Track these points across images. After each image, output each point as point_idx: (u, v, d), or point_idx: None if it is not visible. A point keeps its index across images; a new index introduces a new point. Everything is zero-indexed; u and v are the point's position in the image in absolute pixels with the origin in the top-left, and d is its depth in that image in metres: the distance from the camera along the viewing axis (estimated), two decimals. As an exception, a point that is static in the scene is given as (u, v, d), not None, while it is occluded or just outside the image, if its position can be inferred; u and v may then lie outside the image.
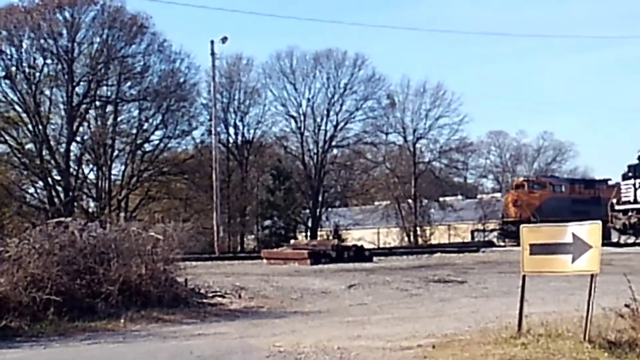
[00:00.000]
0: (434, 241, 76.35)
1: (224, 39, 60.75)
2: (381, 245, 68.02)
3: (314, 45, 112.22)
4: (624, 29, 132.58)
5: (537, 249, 15.22)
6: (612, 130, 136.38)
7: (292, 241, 55.13)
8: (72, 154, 66.13)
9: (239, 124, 76.21)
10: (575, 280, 16.44)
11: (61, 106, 65.90)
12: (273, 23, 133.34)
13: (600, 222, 16.24)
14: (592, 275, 14.51)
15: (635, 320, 15.29)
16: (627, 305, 15.55)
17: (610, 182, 71.99)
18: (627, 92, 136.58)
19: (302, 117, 78.46)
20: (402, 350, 14.31)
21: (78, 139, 66.75)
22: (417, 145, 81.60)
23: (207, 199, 63.18)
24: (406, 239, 76.40)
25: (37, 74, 65.15)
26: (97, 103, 67.78)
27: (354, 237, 67.57)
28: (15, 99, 64.62)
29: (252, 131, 77.15)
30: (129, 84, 68.43)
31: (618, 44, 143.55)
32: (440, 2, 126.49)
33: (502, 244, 59.92)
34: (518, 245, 43.51)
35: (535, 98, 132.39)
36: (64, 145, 65.39)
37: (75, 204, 62.91)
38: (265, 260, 38.84)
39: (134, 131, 68.68)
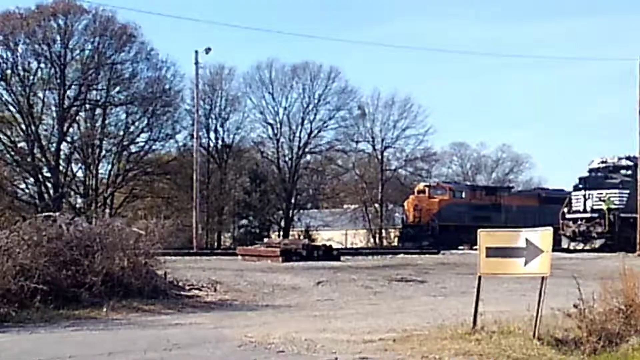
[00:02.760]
0: (397, 243, 76.51)
1: (208, 50, 60.69)
2: (349, 246, 67.98)
3: (292, 57, 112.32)
4: (581, 49, 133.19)
5: (493, 252, 15.32)
6: (567, 144, 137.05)
7: (265, 240, 55.10)
8: (62, 153, 65.98)
9: (220, 129, 76.39)
10: (526, 282, 16.54)
11: (53, 108, 65.80)
12: (254, 35, 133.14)
13: (550, 229, 16.39)
14: (542, 278, 14.63)
15: (581, 320, 15.39)
16: (575, 306, 15.67)
17: (512, 190, 73.06)
18: (582, 109, 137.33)
19: (278, 125, 78.71)
20: (365, 343, 14.34)
21: (68, 139, 66.60)
22: (385, 154, 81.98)
23: (187, 199, 63.04)
24: (372, 240, 76.52)
25: (31, 77, 65.01)
26: (87, 106, 67.68)
27: (323, 237, 67.57)
28: (10, 100, 64.48)
29: (231, 136, 77.35)
30: (117, 88, 68.36)
31: (575, 64, 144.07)
32: (411, 20, 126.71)
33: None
34: (418, 248, 42.95)
35: (496, 112, 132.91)
36: (54, 144, 65.23)
37: (64, 200, 62.64)
38: (240, 257, 38.84)
39: (121, 133, 68.65)
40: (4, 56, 64.05)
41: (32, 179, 65.68)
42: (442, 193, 64.12)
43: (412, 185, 75.78)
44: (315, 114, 78.86)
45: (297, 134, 78.69)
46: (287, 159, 78.93)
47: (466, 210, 61.08)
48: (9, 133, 64.71)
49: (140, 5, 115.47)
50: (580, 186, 55.15)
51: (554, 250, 15.66)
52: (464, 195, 65.07)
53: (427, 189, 65.46)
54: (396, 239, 72.06)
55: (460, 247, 49.77)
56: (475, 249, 18.22)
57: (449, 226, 58.64)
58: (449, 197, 63.66)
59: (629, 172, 53.03)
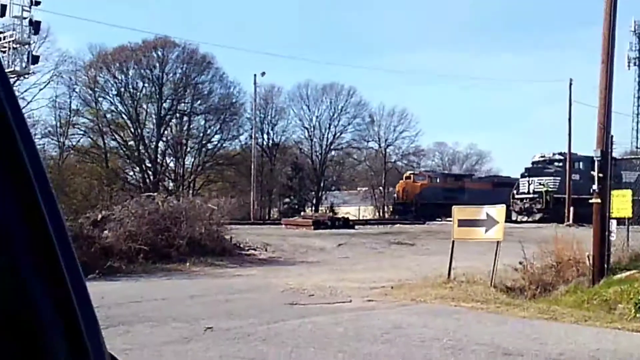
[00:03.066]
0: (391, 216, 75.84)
1: (263, 73, 60.84)
2: (360, 218, 67.47)
3: (322, 79, 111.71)
4: (527, 73, 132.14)
5: (463, 223, 15.35)
6: (517, 143, 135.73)
7: (302, 213, 54.98)
8: (159, 149, 65.97)
9: (271, 132, 75.97)
10: (486, 245, 16.48)
11: (153, 116, 65.60)
12: (296, 63, 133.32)
13: (504, 205, 16.36)
14: (497, 242, 14.60)
15: (525, 273, 15.39)
16: (520, 263, 15.66)
17: (474, 177, 70.24)
18: (527, 117, 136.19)
19: (312, 129, 78.33)
20: (371, 289, 14.36)
21: (163, 139, 66.48)
22: (387, 150, 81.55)
23: (247, 183, 62.94)
24: (377, 214, 76.05)
25: (138, 93, 64.95)
26: (177, 115, 67.48)
27: (343, 211, 66.47)
28: (123, 110, 64.35)
29: (279, 137, 76.98)
30: (199, 102, 68.04)
31: (522, 84, 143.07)
32: (407, 51, 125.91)
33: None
34: (405, 219, 41.72)
35: (467, 119, 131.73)
36: (154, 143, 65.15)
37: (160, 183, 62.54)
38: (283, 226, 38.75)
39: (201, 135, 68.52)
40: (119, 78, 64.14)
41: (137, 168, 65.70)
42: (423, 179, 62.29)
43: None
44: (338, 121, 78.40)
45: (325, 136, 78.34)
46: (318, 154, 78.56)
47: (440, 192, 59.58)
48: (122, 134, 64.87)
49: (216, 40, 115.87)
50: (526, 174, 54.76)
51: (506, 221, 15.66)
52: (438, 180, 63.17)
53: (412, 176, 63.71)
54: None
55: (438, 219, 49.41)
56: (449, 220, 18.19)
57: (428, 203, 57.65)
58: (428, 182, 61.89)
59: (561, 164, 52.59)
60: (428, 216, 52.49)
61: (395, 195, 64.96)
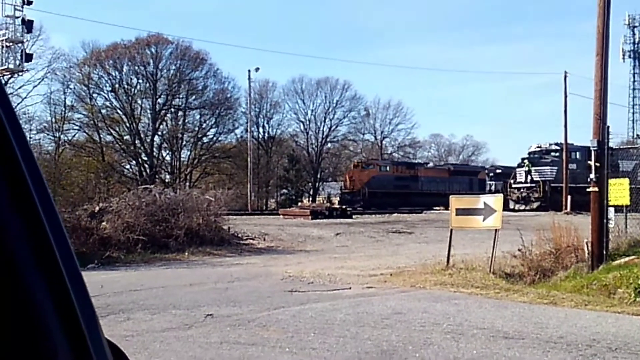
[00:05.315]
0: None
1: (257, 69, 60.90)
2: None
3: (317, 74, 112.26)
4: (520, 66, 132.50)
5: (460, 212, 15.35)
6: (512, 134, 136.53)
7: (299, 204, 55.00)
8: (155, 143, 65.97)
9: (266, 125, 76.34)
10: (484, 233, 16.47)
11: (148, 111, 65.63)
12: (290, 58, 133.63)
13: (501, 195, 16.39)
14: (495, 230, 14.61)
15: (524, 259, 15.39)
16: (519, 250, 15.67)
17: (428, 165, 67.78)
18: (522, 108, 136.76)
19: (307, 122, 78.73)
20: (371, 276, 14.35)
21: (159, 133, 66.55)
22: (383, 142, 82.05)
23: (243, 175, 63.13)
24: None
25: (133, 89, 65.01)
26: (172, 110, 67.55)
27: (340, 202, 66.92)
28: (118, 105, 64.37)
29: (274, 130, 77.31)
30: (193, 97, 68.15)
31: (516, 76, 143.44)
32: (402, 44, 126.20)
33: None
34: (353, 208, 41.65)
35: (462, 111, 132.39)
36: (149, 137, 65.17)
37: (156, 176, 62.55)
38: (281, 216, 38.80)
39: (196, 129, 68.53)
40: (114, 75, 64.22)
41: (134, 162, 65.72)
42: (372, 167, 60.39)
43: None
44: (334, 114, 78.89)
45: (321, 129, 78.78)
46: (314, 146, 78.84)
47: (390, 180, 58.55)
48: (118, 129, 64.82)
49: (210, 37, 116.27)
50: (522, 164, 54.86)
51: (503, 210, 15.65)
52: (388, 169, 60.79)
53: (360, 164, 62.02)
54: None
55: (435, 208, 49.35)
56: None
57: (377, 192, 56.64)
58: (376, 170, 59.78)
59: (557, 154, 52.62)
60: (377, 205, 51.72)
61: (343, 184, 63.41)
